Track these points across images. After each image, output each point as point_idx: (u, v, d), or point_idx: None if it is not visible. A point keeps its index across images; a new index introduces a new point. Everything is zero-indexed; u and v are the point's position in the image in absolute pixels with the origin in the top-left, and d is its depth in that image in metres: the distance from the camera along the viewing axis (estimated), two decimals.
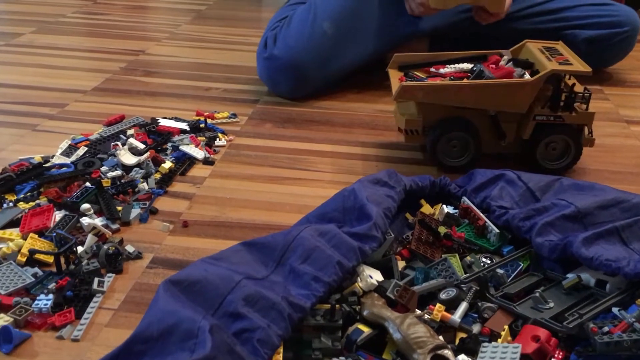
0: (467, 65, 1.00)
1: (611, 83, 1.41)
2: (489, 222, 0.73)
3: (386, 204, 0.70)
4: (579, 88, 0.94)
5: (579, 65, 0.94)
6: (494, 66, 1.00)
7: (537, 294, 0.62)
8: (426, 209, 0.80)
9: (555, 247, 0.67)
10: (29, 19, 1.81)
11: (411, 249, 0.71)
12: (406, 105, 0.99)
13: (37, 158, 0.95)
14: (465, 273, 0.68)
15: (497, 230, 0.72)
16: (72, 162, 0.93)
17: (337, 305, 0.59)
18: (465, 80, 0.94)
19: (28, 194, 0.85)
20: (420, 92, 0.92)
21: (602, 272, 0.64)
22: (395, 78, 0.98)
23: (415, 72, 1.01)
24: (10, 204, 0.83)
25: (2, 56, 1.47)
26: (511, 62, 1.01)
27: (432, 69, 1.01)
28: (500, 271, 0.66)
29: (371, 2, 1.23)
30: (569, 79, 0.96)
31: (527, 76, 0.94)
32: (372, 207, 0.67)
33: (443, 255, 0.70)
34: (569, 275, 0.66)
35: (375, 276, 0.64)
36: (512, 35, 1.37)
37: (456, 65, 1.01)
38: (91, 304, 0.66)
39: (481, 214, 0.74)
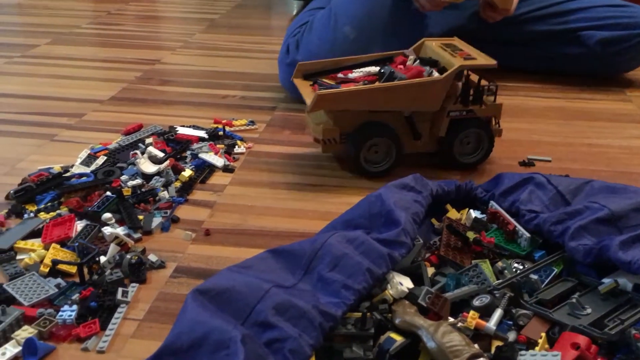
0: (375, 68, 1.00)
1: (634, 85, 1.39)
2: (519, 227, 0.71)
3: (414, 209, 0.68)
4: (483, 82, 0.95)
5: (483, 59, 0.95)
6: (402, 67, 0.99)
7: (574, 300, 0.60)
8: (453, 214, 0.79)
9: (590, 251, 0.65)
10: (44, 30, 1.82)
11: (440, 255, 0.69)
12: (317, 114, 0.96)
13: (57, 168, 0.94)
14: (497, 279, 0.66)
15: (528, 235, 0.70)
16: (92, 172, 0.93)
17: (368, 314, 0.58)
18: (380, 83, 0.92)
19: (49, 204, 0.84)
20: (338, 100, 0.89)
21: None
22: (305, 88, 0.96)
23: (324, 80, 0.98)
24: (31, 214, 0.82)
25: (18, 67, 1.47)
26: (417, 62, 1.00)
27: (340, 75, 0.99)
28: (534, 277, 0.64)
29: (388, 6, 1.22)
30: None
31: (435, 74, 0.93)
32: (400, 212, 0.66)
33: (474, 261, 0.68)
34: (605, 280, 0.64)
35: (405, 283, 0.63)
36: (525, 36, 1.37)
37: (363, 69, 1.00)
38: (116, 315, 0.65)
39: (511, 218, 0.73)
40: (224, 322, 0.49)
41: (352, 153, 0.93)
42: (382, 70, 0.95)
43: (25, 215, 0.82)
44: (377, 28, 1.17)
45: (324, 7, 1.26)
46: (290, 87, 1.24)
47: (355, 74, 0.99)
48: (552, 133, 1.12)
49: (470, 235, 0.73)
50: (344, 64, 1.02)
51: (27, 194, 0.86)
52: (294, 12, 2.12)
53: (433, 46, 1.01)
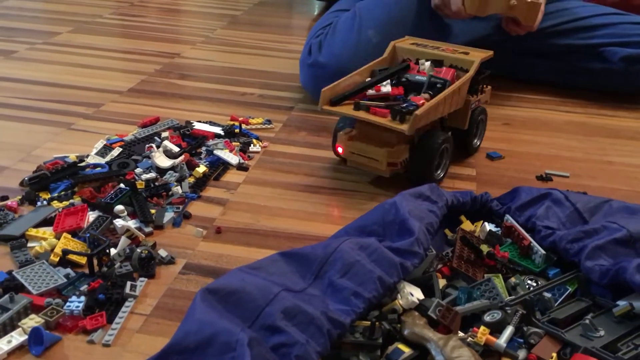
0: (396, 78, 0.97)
1: None
2: (534, 243, 0.70)
3: (428, 219, 0.67)
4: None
5: (481, 52, 1.01)
6: (437, 70, 0.96)
7: (587, 321, 0.59)
8: (467, 225, 0.78)
9: (607, 272, 0.64)
10: (66, 18, 1.83)
11: (452, 267, 0.68)
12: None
13: (72, 157, 0.94)
14: (510, 295, 0.65)
15: (543, 252, 0.69)
16: (107, 163, 0.93)
17: (376, 323, 0.57)
18: (446, 90, 0.90)
19: (62, 193, 0.85)
20: (428, 114, 0.87)
21: None
22: (347, 109, 0.89)
23: (363, 101, 0.90)
24: (44, 202, 0.82)
25: (39, 54, 1.48)
26: (429, 63, 0.98)
27: (372, 91, 0.93)
28: (547, 295, 0.63)
29: (414, 12, 1.21)
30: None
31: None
32: (414, 222, 0.65)
33: (486, 275, 0.67)
34: (620, 303, 0.62)
35: (416, 294, 0.62)
36: (549, 50, 1.35)
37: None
38: (123, 309, 0.65)
39: (526, 234, 0.72)
40: (231, 324, 0.49)
41: (424, 166, 0.90)
42: (437, 83, 0.91)
43: (39, 203, 0.82)
44: (401, 33, 1.16)
45: (349, 9, 1.26)
46: (311, 88, 1.24)
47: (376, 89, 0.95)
48: (571, 148, 1.10)
49: (484, 248, 0.72)
50: (364, 83, 0.95)
51: (41, 182, 0.86)
52: (316, 12, 2.12)
53: (407, 46, 1.02)
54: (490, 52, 1.00)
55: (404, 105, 0.86)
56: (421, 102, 0.87)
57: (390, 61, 1.02)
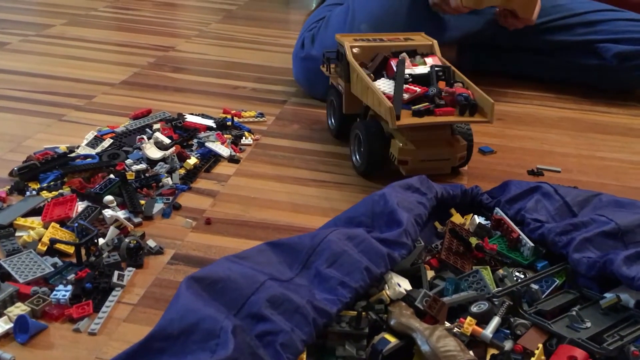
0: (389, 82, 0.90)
1: None
2: (523, 236, 0.70)
3: (417, 211, 0.67)
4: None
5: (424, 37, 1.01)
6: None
7: (574, 313, 0.59)
8: (456, 218, 0.78)
9: (594, 264, 0.64)
10: (60, 11, 1.82)
11: (441, 259, 0.68)
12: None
13: (62, 148, 0.94)
14: (497, 287, 0.65)
15: (532, 244, 0.69)
16: (97, 154, 0.92)
17: (363, 313, 0.57)
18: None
19: (52, 183, 0.84)
20: None
21: None
22: (414, 120, 0.83)
23: (417, 107, 0.85)
24: (33, 192, 0.82)
25: (32, 46, 1.47)
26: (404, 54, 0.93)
27: (406, 95, 0.86)
28: (534, 286, 0.63)
29: (407, 6, 1.21)
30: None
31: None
32: (402, 213, 0.65)
33: (474, 267, 0.67)
34: (607, 295, 0.63)
35: (403, 284, 0.62)
36: (543, 46, 1.35)
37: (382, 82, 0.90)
38: (110, 298, 0.65)
39: (515, 227, 0.72)
40: (216, 312, 0.49)
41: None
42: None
43: (27, 193, 0.82)
44: (395, 27, 1.15)
45: (343, 3, 1.25)
46: (303, 81, 1.23)
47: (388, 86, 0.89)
48: (563, 144, 1.10)
49: (473, 241, 0.72)
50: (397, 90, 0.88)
51: (30, 172, 0.86)
52: (313, 7, 2.11)
53: (360, 45, 0.95)
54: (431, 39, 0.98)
55: (461, 98, 0.84)
56: (466, 90, 0.86)
57: (360, 61, 0.94)
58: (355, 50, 0.94)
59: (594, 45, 1.31)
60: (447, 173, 0.91)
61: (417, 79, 0.89)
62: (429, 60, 0.93)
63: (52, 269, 0.67)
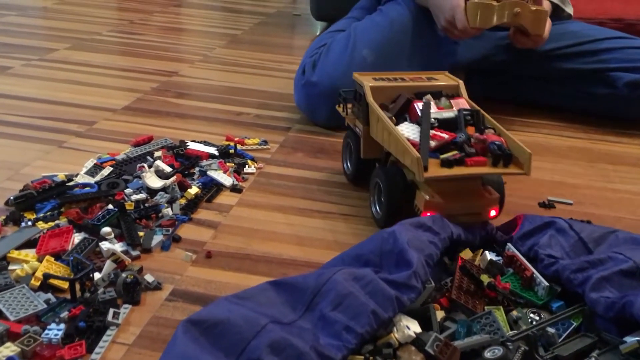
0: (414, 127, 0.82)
1: None
2: (537, 274, 0.67)
3: (428, 251, 0.64)
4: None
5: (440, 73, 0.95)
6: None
7: (593, 359, 0.56)
8: (466, 253, 0.75)
9: (613, 305, 0.61)
10: (64, 35, 1.82)
11: (451, 299, 0.65)
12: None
13: (61, 176, 0.92)
14: (511, 329, 0.62)
15: (547, 284, 0.66)
16: (96, 182, 0.90)
17: (370, 358, 0.54)
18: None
19: (48, 213, 0.82)
20: None
21: None
22: (444, 172, 0.75)
23: (445, 156, 0.77)
24: (29, 222, 0.80)
25: (35, 70, 1.46)
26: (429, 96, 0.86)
27: (434, 142, 0.78)
28: (551, 330, 0.60)
29: (411, 33, 1.20)
30: None
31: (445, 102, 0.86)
32: (413, 253, 0.62)
33: (487, 308, 0.64)
34: (627, 339, 0.59)
35: (412, 327, 0.59)
36: (553, 73, 1.33)
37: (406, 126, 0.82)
38: (104, 338, 0.62)
39: (528, 264, 0.68)
40: (214, 359, 0.46)
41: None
42: (466, 116, 0.82)
43: (23, 224, 0.79)
44: (398, 54, 1.14)
45: (344, 29, 1.24)
46: (305, 107, 1.22)
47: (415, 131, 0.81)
48: (574, 175, 1.08)
49: (484, 278, 0.69)
50: (423, 136, 0.80)
51: (27, 202, 0.83)
52: (317, 33, 2.11)
53: (381, 85, 0.88)
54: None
55: (494, 147, 0.77)
56: (499, 138, 0.79)
57: (380, 102, 0.87)
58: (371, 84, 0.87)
59: (605, 73, 1.29)
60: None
61: (443, 124, 0.82)
62: (456, 103, 0.85)
63: (45, 306, 0.64)
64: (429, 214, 0.75)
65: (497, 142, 0.78)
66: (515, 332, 0.60)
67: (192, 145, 1.05)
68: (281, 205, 0.91)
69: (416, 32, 1.20)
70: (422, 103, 0.83)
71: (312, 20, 2.19)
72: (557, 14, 1.32)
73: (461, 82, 0.90)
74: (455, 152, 0.77)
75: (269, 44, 1.90)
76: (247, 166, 1.01)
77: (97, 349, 0.60)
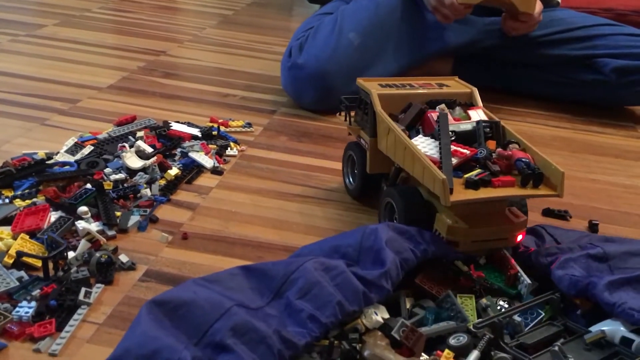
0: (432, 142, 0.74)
1: None
2: (521, 273, 0.67)
3: (406, 255, 0.63)
4: None
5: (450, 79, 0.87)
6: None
7: (557, 348, 0.56)
8: None
9: (577, 283, 0.62)
10: (54, 10, 1.80)
11: (416, 283, 0.65)
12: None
13: (41, 154, 0.91)
14: (479, 317, 0.62)
15: (529, 282, 0.66)
16: (76, 161, 0.90)
17: (335, 342, 0.54)
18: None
19: (26, 191, 0.82)
20: None
21: (629, 330, 0.59)
22: (469, 195, 0.66)
23: (470, 175, 0.69)
24: (6, 200, 0.80)
25: (21, 46, 1.45)
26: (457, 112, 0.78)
27: (455, 159, 0.70)
28: (517, 319, 0.61)
29: (398, 16, 1.19)
30: None
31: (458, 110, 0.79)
32: (389, 253, 0.61)
33: (460, 296, 0.64)
34: (592, 329, 0.60)
35: (380, 313, 0.59)
36: (541, 60, 1.33)
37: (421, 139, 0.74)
38: (75, 316, 0.62)
39: (515, 264, 0.68)
40: (175, 341, 0.46)
41: None
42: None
43: (0, 201, 0.79)
44: (384, 37, 1.13)
45: (333, 12, 1.24)
46: (291, 91, 1.21)
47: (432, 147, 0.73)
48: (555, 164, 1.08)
49: (460, 264, 0.69)
50: (445, 153, 0.71)
51: (5, 179, 0.83)
52: (310, 15, 2.09)
53: (389, 93, 0.81)
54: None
55: (521, 165, 0.69)
56: (526, 154, 0.71)
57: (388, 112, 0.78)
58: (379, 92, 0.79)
59: (592, 60, 1.29)
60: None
61: (460, 137, 0.73)
62: (473, 114, 0.77)
63: (17, 284, 0.65)
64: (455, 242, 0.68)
65: (524, 159, 0.69)
66: (482, 319, 0.60)
67: (175, 126, 1.05)
68: (261, 189, 0.91)
69: (403, 15, 1.19)
70: (438, 114, 0.75)
71: (305, 2, 2.17)
72: (546, 1, 1.32)
73: (475, 89, 0.82)
74: (478, 170, 0.69)
75: (259, 25, 1.89)
76: (229, 148, 1.01)
77: (66, 328, 0.60)
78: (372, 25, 1.18)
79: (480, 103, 0.81)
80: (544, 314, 0.63)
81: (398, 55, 1.21)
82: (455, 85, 0.85)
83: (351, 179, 0.90)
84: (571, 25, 1.32)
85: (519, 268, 0.68)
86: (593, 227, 0.86)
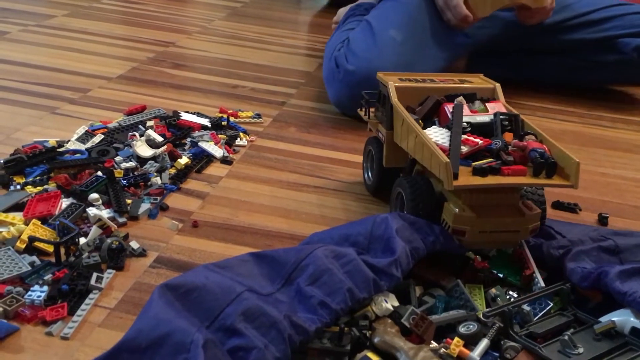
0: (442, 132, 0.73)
1: None
2: (537, 274, 0.66)
3: (416, 244, 0.63)
4: None
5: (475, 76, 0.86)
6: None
7: (566, 337, 0.57)
8: None
9: (588, 275, 0.62)
10: (63, 2, 1.81)
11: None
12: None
13: (52, 142, 0.92)
14: (488, 306, 0.62)
15: (543, 284, 0.65)
16: (87, 149, 0.90)
17: (345, 329, 0.55)
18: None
19: (37, 177, 0.82)
20: None
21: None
22: (477, 181, 0.65)
23: (478, 164, 0.67)
24: (18, 186, 0.80)
25: (31, 36, 1.46)
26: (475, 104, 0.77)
27: (465, 148, 0.69)
28: (526, 308, 0.61)
29: (426, 12, 1.18)
30: None
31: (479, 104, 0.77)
32: (398, 242, 0.61)
33: (467, 286, 0.64)
34: (602, 320, 0.60)
35: (390, 300, 0.59)
36: (559, 46, 1.34)
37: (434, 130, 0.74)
38: (86, 301, 0.62)
39: (533, 264, 0.67)
40: (188, 323, 0.46)
41: None
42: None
43: (12, 187, 0.80)
44: (422, 33, 1.13)
45: (354, 28, 1.22)
46: (347, 101, 1.13)
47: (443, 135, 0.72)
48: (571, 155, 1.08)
49: (470, 255, 0.69)
50: (454, 141, 0.70)
51: (17, 166, 0.84)
52: (320, 9, 2.09)
53: (409, 86, 0.81)
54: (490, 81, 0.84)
55: (535, 155, 0.67)
56: (541, 145, 0.70)
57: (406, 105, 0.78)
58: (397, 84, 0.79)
59: (612, 41, 1.31)
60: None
61: (477, 129, 0.73)
62: (492, 107, 0.76)
63: (29, 268, 0.65)
64: (461, 232, 0.67)
65: (538, 150, 0.68)
66: (491, 308, 0.60)
67: (185, 116, 1.05)
68: (270, 179, 0.91)
69: (431, 12, 1.18)
70: (453, 105, 0.75)
71: None
72: None
73: (498, 85, 0.82)
74: (490, 159, 0.67)
75: (268, 18, 1.89)
76: (238, 139, 1.01)
77: (78, 312, 0.61)
78: (408, 21, 1.15)
79: (502, 99, 0.79)
80: (552, 304, 0.64)
81: (438, 51, 1.19)
82: (478, 82, 0.84)
83: (370, 174, 0.90)
84: (580, 10, 1.33)
85: (535, 269, 0.67)
86: (603, 220, 0.86)
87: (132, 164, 0.87)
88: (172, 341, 0.45)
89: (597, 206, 0.91)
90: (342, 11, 1.42)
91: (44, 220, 0.73)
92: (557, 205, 0.89)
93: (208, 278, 0.52)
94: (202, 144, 0.96)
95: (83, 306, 0.62)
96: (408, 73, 0.85)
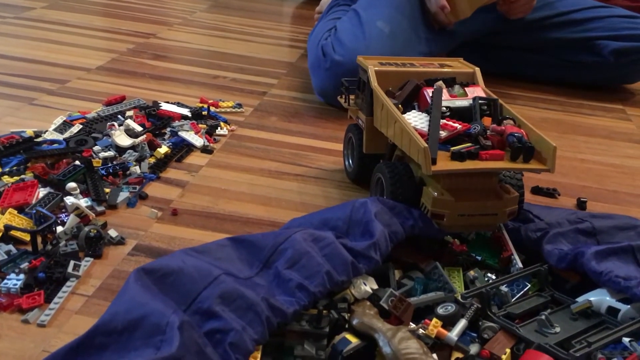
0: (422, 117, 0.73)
1: (634, 103, 1.35)
2: (515, 256, 0.67)
3: (395, 228, 0.63)
4: None
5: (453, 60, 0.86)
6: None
7: (543, 317, 0.57)
8: None
9: (565, 256, 0.63)
10: None
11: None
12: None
13: (29, 132, 0.91)
14: (466, 288, 0.63)
15: (521, 266, 0.66)
16: (65, 139, 0.89)
17: (324, 311, 0.55)
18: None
19: (14, 167, 0.81)
20: None
21: (615, 300, 0.59)
22: (454, 166, 0.65)
23: (456, 148, 0.67)
24: None
25: (10, 28, 1.44)
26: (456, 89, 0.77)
27: (444, 133, 0.69)
28: (504, 289, 0.61)
29: (416, 6, 1.18)
30: None
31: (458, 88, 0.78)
32: (377, 225, 0.61)
33: (446, 269, 0.65)
34: (579, 299, 0.61)
35: (369, 283, 0.59)
36: (540, 43, 1.35)
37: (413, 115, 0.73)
38: (63, 289, 0.62)
39: (511, 246, 0.68)
40: (163, 306, 0.46)
41: None
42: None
43: None
44: (410, 23, 1.13)
45: (340, 17, 1.22)
46: (332, 90, 1.10)
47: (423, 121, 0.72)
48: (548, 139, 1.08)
49: (448, 238, 0.69)
50: (433, 126, 0.70)
51: None
52: (301, 0, 2.09)
53: (387, 70, 0.80)
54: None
55: (513, 139, 0.67)
56: (519, 130, 0.69)
57: (385, 89, 0.78)
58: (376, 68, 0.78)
59: (591, 42, 1.31)
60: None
61: (456, 113, 0.73)
62: (471, 91, 0.76)
63: (5, 257, 0.64)
64: (440, 215, 0.67)
65: (516, 134, 0.68)
66: (470, 290, 0.61)
67: (165, 106, 1.04)
68: (251, 167, 0.91)
69: (418, 6, 1.18)
70: (433, 90, 0.75)
71: None
72: None
73: (477, 69, 0.82)
74: (468, 144, 0.68)
75: (250, 9, 1.88)
76: (219, 128, 1.01)
77: (55, 299, 0.60)
78: (396, 14, 1.15)
79: (481, 83, 0.80)
80: (530, 286, 0.64)
81: (427, 44, 1.19)
82: (457, 66, 0.84)
83: (350, 162, 0.90)
84: (564, 9, 1.33)
85: (514, 250, 0.68)
86: (581, 205, 0.87)
87: (110, 153, 0.86)
88: (148, 323, 0.45)
89: (576, 191, 0.91)
90: (325, 1, 1.41)
91: (20, 209, 0.73)
92: (536, 191, 0.90)
93: (185, 262, 0.52)
94: (182, 134, 0.95)
95: (60, 294, 0.61)
96: (388, 57, 0.85)
